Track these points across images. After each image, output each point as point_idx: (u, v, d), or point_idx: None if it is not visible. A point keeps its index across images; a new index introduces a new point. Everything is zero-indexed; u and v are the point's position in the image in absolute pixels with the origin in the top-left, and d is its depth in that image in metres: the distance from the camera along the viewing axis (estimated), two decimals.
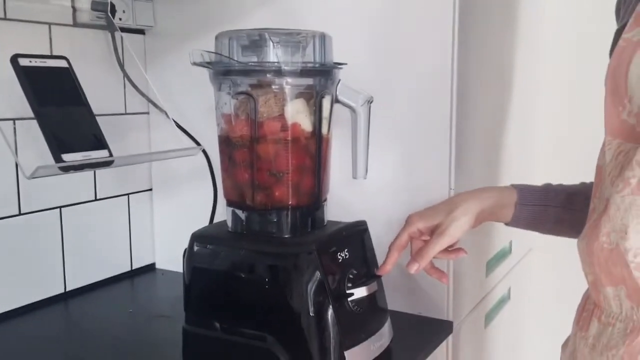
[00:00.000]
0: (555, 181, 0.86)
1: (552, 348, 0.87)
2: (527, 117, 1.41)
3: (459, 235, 0.81)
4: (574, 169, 0.98)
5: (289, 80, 0.79)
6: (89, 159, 0.76)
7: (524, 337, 1.56)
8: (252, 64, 0.80)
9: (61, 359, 0.90)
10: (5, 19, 0.98)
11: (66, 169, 0.73)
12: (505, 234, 1.29)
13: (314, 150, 0.83)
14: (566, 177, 0.87)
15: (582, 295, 0.70)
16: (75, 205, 1.13)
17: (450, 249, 0.83)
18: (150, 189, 1.28)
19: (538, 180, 0.89)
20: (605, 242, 0.60)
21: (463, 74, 0.97)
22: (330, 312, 0.77)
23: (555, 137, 1.50)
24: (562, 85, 1.49)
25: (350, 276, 0.82)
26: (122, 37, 1.13)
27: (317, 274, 0.77)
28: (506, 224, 0.85)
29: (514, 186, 0.84)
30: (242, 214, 0.84)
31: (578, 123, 1.44)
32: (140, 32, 1.22)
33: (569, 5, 1.48)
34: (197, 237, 0.86)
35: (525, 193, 0.83)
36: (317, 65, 0.81)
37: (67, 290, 1.12)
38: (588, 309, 0.66)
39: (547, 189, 0.84)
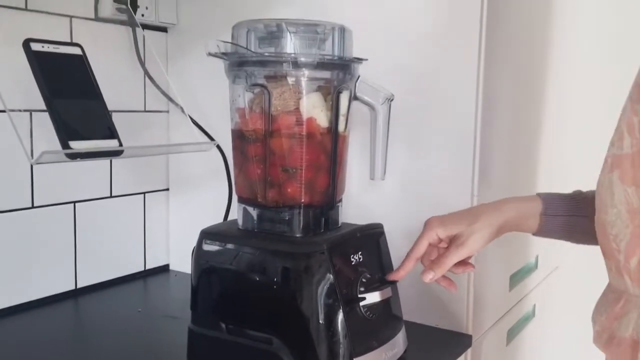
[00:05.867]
0: (586, 188, 0.81)
1: None
2: (557, 123, 1.36)
3: (479, 248, 0.77)
4: None
5: (306, 72, 0.76)
6: (98, 148, 0.74)
7: (548, 356, 1.49)
8: (268, 54, 0.77)
9: (65, 355, 0.87)
10: (25, 9, 0.98)
11: (73, 157, 0.71)
12: (531, 248, 1.24)
13: (329, 147, 0.80)
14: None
15: None
16: (90, 201, 1.11)
17: (462, 261, 0.78)
18: (167, 189, 1.26)
19: (568, 189, 0.84)
20: (598, 218, 0.66)
21: (489, 77, 0.93)
22: (340, 316, 0.73)
23: (586, 144, 1.44)
24: (594, 90, 1.44)
25: (364, 280, 0.78)
26: (143, 35, 1.11)
27: (328, 276, 0.74)
28: (533, 234, 0.81)
29: (539, 195, 0.80)
30: (253, 211, 0.81)
31: (610, 129, 1.38)
32: (163, 29, 1.21)
33: (601, 7, 1.43)
34: (206, 234, 0.83)
35: (551, 203, 0.79)
36: (335, 59, 0.78)
37: (77, 287, 1.10)
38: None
39: (575, 198, 0.79)
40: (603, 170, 0.65)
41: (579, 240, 0.79)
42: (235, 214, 0.85)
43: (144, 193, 1.22)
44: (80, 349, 0.89)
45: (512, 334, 1.17)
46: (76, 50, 0.79)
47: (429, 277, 0.76)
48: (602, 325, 0.67)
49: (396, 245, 0.86)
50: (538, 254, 1.28)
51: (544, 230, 0.79)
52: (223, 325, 0.80)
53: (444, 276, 0.79)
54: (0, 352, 0.87)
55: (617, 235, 0.63)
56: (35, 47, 0.74)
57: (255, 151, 0.79)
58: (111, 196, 1.15)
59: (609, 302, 0.67)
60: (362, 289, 0.77)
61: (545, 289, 1.37)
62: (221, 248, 0.81)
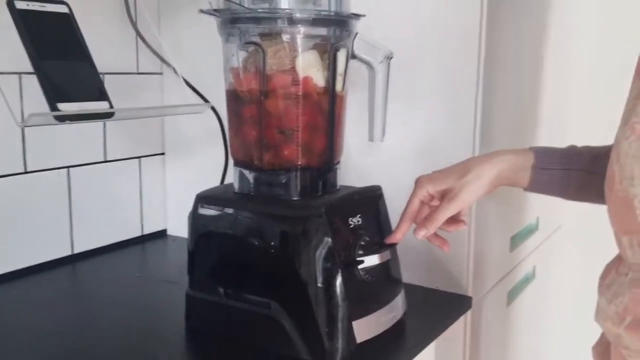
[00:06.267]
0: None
1: (579, 330, 0.81)
2: (561, 86, 1.33)
3: (471, 201, 0.75)
4: (610, 138, 0.91)
5: (301, 29, 0.73)
6: (87, 110, 0.72)
7: (549, 318, 1.49)
8: (262, 10, 0.74)
9: (63, 320, 0.87)
10: None
11: (62, 119, 0.69)
12: (532, 209, 1.22)
13: (326, 107, 0.77)
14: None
15: None
16: (84, 166, 1.09)
17: (454, 218, 0.77)
18: (163, 153, 1.24)
19: None
20: (619, 190, 0.59)
21: (492, 33, 0.90)
22: (338, 279, 0.72)
23: (590, 108, 1.42)
24: (598, 53, 1.40)
25: (362, 243, 0.76)
26: None
27: (326, 239, 0.72)
28: (524, 189, 0.78)
29: (532, 149, 0.77)
30: (249, 175, 0.79)
31: (615, 90, 1.36)
32: None
33: None
34: (201, 198, 0.81)
35: (544, 156, 0.76)
36: (331, 14, 0.75)
37: (74, 252, 1.09)
38: (612, 262, 0.64)
39: (570, 151, 0.77)
40: (628, 137, 0.58)
41: (573, 196, 0.77)
42: (232, 177, 0.84)
43: (139, 157, 1.20)
44: (78, 314, 0.88)
45: (513, 295, 1.16)
46: (63, 9, 0.76)
47: (422, 234, 0.75)
48: (626, 308, 0.60)
49: (396, 208, 0.84)
50: (539, 215, 1.27)
51: (536, 184, 0.76)
52: (221, 290, 0.79)
53: (437, 235, 0.77)
54: None
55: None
56: (20, 5, 0.71)
57: (250, 112, 0.77)
58: (105, 161, 1.13)
59: (632, 283, 0.60)
60: (360, 252, 0.76)
61: (546, 250, 1.36)
62: (217, 212, 0.80)
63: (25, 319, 0.87)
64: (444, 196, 0.75)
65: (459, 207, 0.74)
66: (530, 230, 1.23)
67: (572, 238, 1.48)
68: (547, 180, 0.76)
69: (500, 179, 0.76)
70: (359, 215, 0.78)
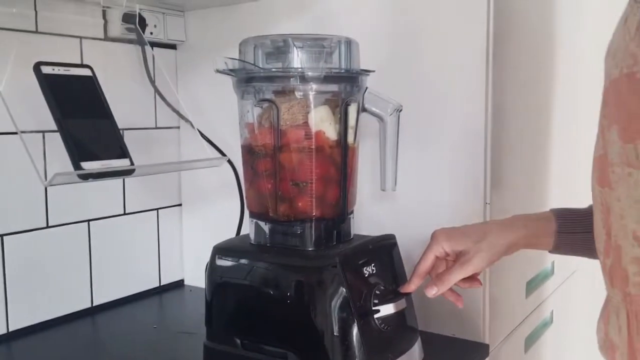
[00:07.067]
0: None
1: None
2: (570, 124, 1.35)
3: (483, 267, 0.76)
4: None
5: (313, 86, 0.76)
6: (109, 168, 0.75)
7: None
8: (276, 69, 0.77)
9: None
10: (36, 32, 0.99)
11: (85, 177, 0.72)
12: (547, 255, 1.22)
13: (339, 159, 0.80)
14: None
15: None
16: (104, 219, 1.12)
17: (469, 277, 0.77)
18: (180, 205, 1.27)
19: (585, 195, 0.83)
20: None
21: (499, 77, 0.92)
22: (355, 329, 0.73)
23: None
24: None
25: (377, 292, 0.77)
26: (152, 53, 1.13)
27: (341, 289, 0.74)
28: (549, 252, 0.79)
29: (552, 212, 0.78)
30: (264, 226, 0.81)
31: None
32: (172, 46, 1.22)
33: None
34: (219, 250, 0.83)
35: (566, 220, 0.77)
36: (342, 71, 0.79)
37: (94, 305, 1.11)
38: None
39: (591, 212, 0.78)
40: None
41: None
42: (248, 228, 0.86)
43: (157, 209, 1.23)
44: None
45: (530, 341, 1.16)
46: (86, 72, 0.80)
47: (432, 292, 0.76)
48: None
49: (410, 256, 0.85)
50: (554, 260, 1.26)
51: (560, 248, 0.78)
52: (238, 341, 0.80)
53: (451, 290, 0.78)
54: None
55: (597, 236, 0.61)
56: (46, 70, 0.75)
57: (265, 166, 0.79)
58: (125, 213, 1.16)
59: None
60: (376, 301, 0.77)
61: (562, 295, 1.35)
62: (234, 263, 0.82)
63: None
64: (458, 258, 0.76)
65: (471, 271, 0.75)
66: (546, 275, 1.23)
67: (589, 282, 1.47)
68: (569, 244, 0.77)
69: (519, 245, 0.77)
70: (373, 264, 0.79)
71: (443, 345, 0.94)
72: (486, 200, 0.93)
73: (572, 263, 1.42)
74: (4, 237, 0.98)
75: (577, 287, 1.47)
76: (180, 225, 1.28)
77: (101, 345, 1.00)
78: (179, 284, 1.28)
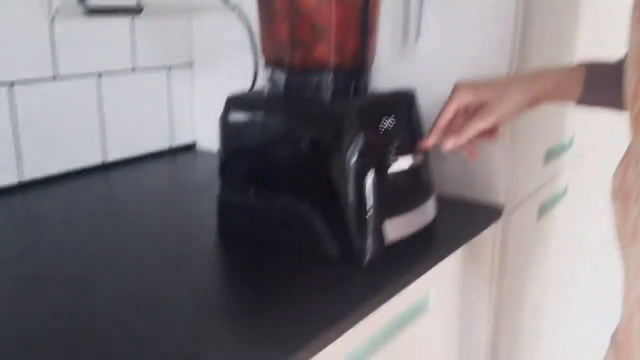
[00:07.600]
0: None
1: (605, 255, 0.80)
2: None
3: (507, 115, 0.72)
4: None
5: None
6: (116, 5, 0.71)
7: (578, 236, 1.48)
8: None
9: (97, 225, 0.88)
10: None
11: (90, 12, 0.68)
12: (568, 126, 1.19)
13: (360, 4, 0.75)
14: None
15: None
16: (115, 77, 1.09)
17: (487, 130, 0.74)
18: (191, 63, 1.23)
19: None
20: None
21: None
22: (369, 180, 0.72)
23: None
24: None
25: (394, 146, 0.75)
26: None
27: (358, 140, 0.71)
28: (576, 102, 0.75)
29: (581, 64, 0.74)
30: (280, 75, 0.78)
31: None
32: None
33: None
34: (232, 101, 0.80)
35: (596, 72, 0.73)
36: None
37: (106, 161, 1.11)
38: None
39: (622, 63, 0.74)
40: None
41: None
42: (262, 84, 0.82)
43: (169, 67, 1.19)
44: (111, 219, 0.90)
45: (544, 210, 1.15)
46: None
47: (449, 145, 0.73)
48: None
49: (429, 116, 0.82)
50: (574, 133, 1.23)
51: (586, 101, 0.74)
52: (251, 191, 0.79)
53: (467, 143, 0.75)
54: (32, 222, 0.89)
55: (629, 79, 0.56)
56: None
57: (282, 8, 0.74)
58: (134, 69, 1.12)
59: None
60: (392, 154, 0.75)
61: (579, 169, 1.33)
62: (248, 114, 0.79)
63: (60, 223, 0.88)
64: (481, 107, 0.73)
65: (494, 120, 0.72)
66: (564, 147, 1.20)
67: (605, 161, 1.45)
68: (598, 97, 0.73)
69: (546, 95, 0.73)
70: (391, 118, 0.76)
71: (457, 205, 0.94)
72: (513, 61, 0.88)
73: (590, 139, 1.39)
74: (15, 86, 0.95)
75: (592, 164, 1.44)
76: (192, 88, 1.24)
77: (116, 199, 1.00)
78: (190, 147, 1.27)
